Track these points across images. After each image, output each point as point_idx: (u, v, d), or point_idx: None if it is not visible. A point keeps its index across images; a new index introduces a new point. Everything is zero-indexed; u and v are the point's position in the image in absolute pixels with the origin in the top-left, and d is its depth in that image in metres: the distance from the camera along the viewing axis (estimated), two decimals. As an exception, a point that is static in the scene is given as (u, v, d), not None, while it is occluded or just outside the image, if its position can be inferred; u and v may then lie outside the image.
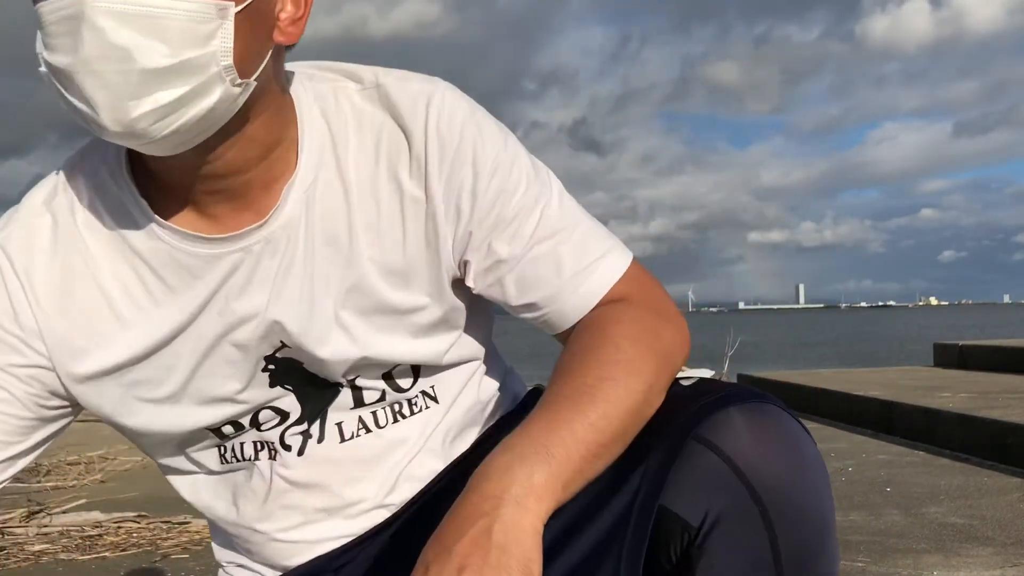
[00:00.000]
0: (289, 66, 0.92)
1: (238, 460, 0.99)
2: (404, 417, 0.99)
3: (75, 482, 4.91)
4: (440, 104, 0.91)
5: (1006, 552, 2.60)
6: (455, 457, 1.02)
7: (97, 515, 3.71)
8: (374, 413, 0.98)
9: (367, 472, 0.98)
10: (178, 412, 0.95)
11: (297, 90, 0.91)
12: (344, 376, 0.96)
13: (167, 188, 0.89)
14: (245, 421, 0.97)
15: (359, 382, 0.96)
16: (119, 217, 0.90)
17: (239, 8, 0.78)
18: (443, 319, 0.97)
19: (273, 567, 1.03)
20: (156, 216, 0.88)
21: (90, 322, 0.91)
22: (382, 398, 0.98)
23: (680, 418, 0.86)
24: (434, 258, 0.93)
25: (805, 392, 5.82)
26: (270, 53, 0.83)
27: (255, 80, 0.82)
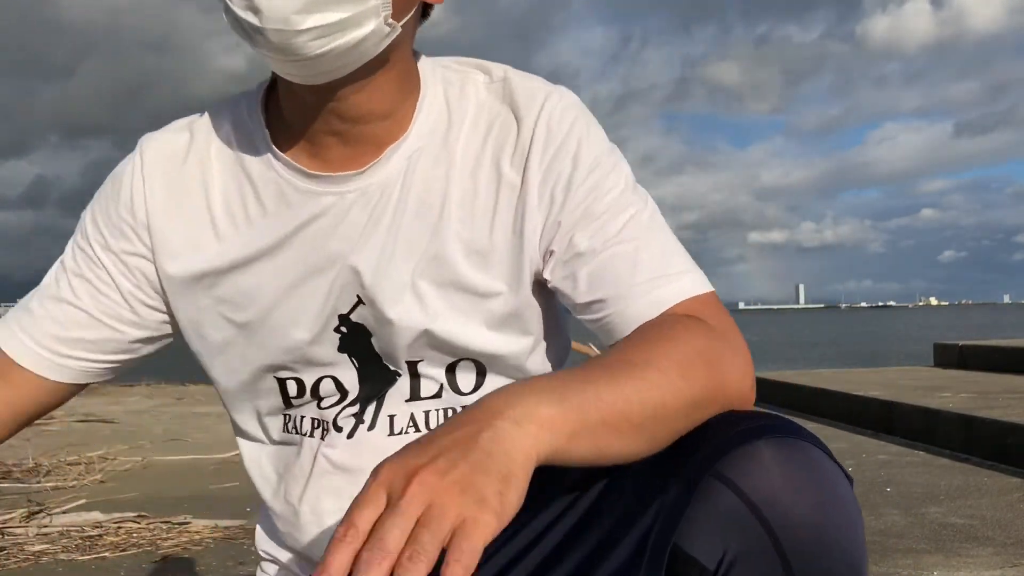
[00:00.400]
0: (427, 58, 0.99)
1: (297, 432, 1.01)
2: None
3: (75, 482, 4.91)
4: (556, 101, 0.95)
5: (1006, 552, 2.60)
6: None
7: (97, 515, 3.71)
8: (426, 413, 0.98)
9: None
10: (253, 344, 0.98)
11: (425, 69, 0.97)
12: (407, 357, 0.96)
13: (291, 127, 0.96)
14: (308, 384, 0.99)
15: (421, 368, 0.97)
16: (244, 146, 0.98)
17: None
18: (516, 313, 0.96)
19: (309, 559, 1.03)
20: (274, 147, 0.96)
21: (189, 228, 0.98)
22: (438, 394, 0.98)
23: (702, 451, 0.81)
24: (518, 245, 0.94)
25: (805, 392, 5.83)
26: (416, 7, 0.90)
27: (401, 27, 0.87)
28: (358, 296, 0.96)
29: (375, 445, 0.97)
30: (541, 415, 0.70)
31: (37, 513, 3.82)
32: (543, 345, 1.01)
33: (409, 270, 0.94)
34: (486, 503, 0.62)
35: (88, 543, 3.30)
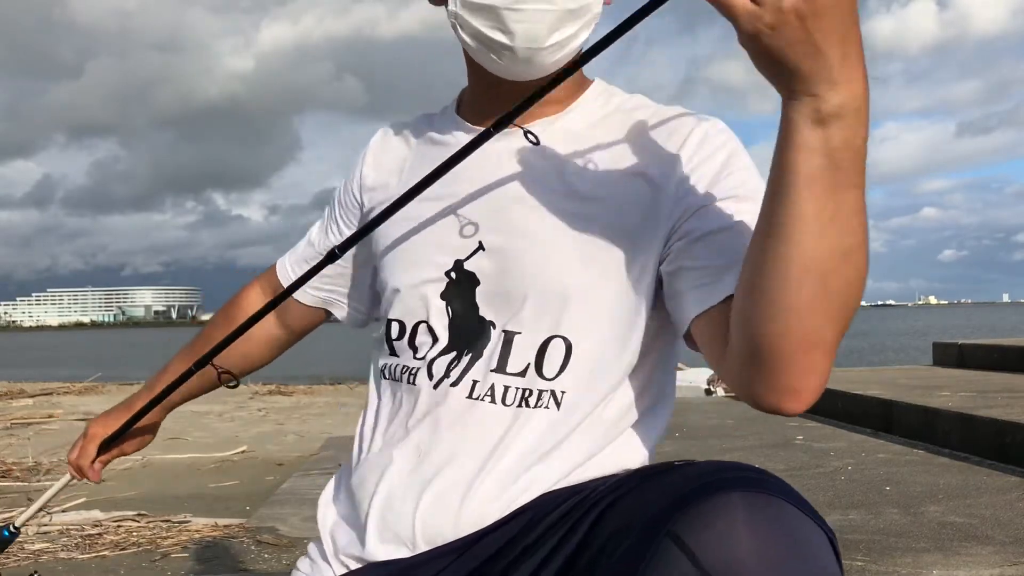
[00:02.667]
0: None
1: (395, 379, 1.08)
2: (528, 406, 1.00)
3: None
4: (713, 122, 1.01)
5: (1005, 551, 2.61)
6: (543, 491, 0.99)
7: (97, 514, 3.71)
8: (505, 388, 1.00)
9: (467, 435, 1.00)
10: (402, 261, 1.08)
11: (598, 84, 1.09)
12: (507, 326, 1.01)
13: (472, 106, 1.11)
14: (408, 326, 1.07)
15: (516, 341, 1.00)
16: (437, 125, 1.15)
17: None
18: (622, 296, 0.99)
19: (360, 516, 1.08)
20: (456, 115, 1.12)
21: (383, 174, 1.18)
22: (522, 373, 1.00)
23: (656, 504, 0.78)
24: (647, 232, 0.97)
25: (804, 391, 5.83)
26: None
27: (600, 9, 1.00)
28: (480, 243, 1.03)
29: (455, 401, 1.02)
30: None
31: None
32: (640, 352, 1.02)
33: (537, 228, 1.00)
34: None
35: (88, 542, 3.30)
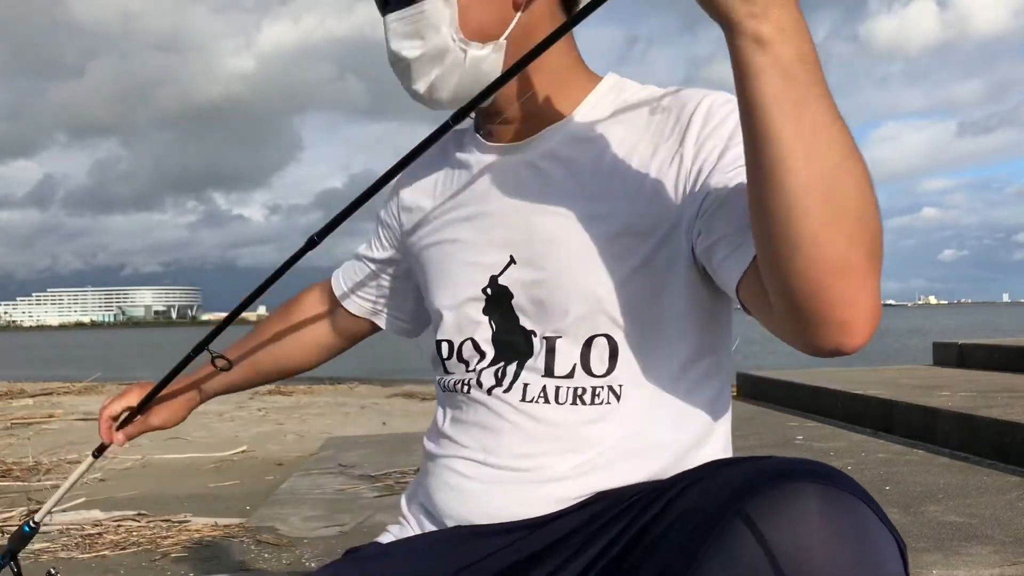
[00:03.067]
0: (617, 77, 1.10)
1: (452, 391, 1.12)
2: (583, 403, 1.03)
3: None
4: (717, 96, 1.01)
5: (1005, 551, 2.61)
6: (612, 485, 1.01)
7: (97, 514, 3.71)
8: (557, 388, 1.03)
9: (529, 436, 1.03)
10: (442, 283, 1.13)
11: (608, 80, 1.10)
12: (546, 332, 1.04)
13: (484, 122, 1.14)
14: (456, 344, 1.11)
15: (558, 345, 1.03)
16: (462, 144, 1.17)
17: None
18: (656, 286, 1.01)
19: (431, 512, 1.11)
20: (476, 135, 1.14)
21: (417, 194, 1.21)
22: (571, 374, 1.03)
23: (727, 488, 0.78)
24: (668, 219, 0.99)
25: (805, 391, 5.83)
26: (516, 19, 1.04)
27: (504, 39, 1.04)
28: (511, 257, 1.06)
29: (509, 407, 1.05)
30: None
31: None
32: (691, 348, 1.03)
33: (561, 234, 1.03)
34: None
35: (88, 541, 3.30)
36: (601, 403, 1.02)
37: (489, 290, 1.07)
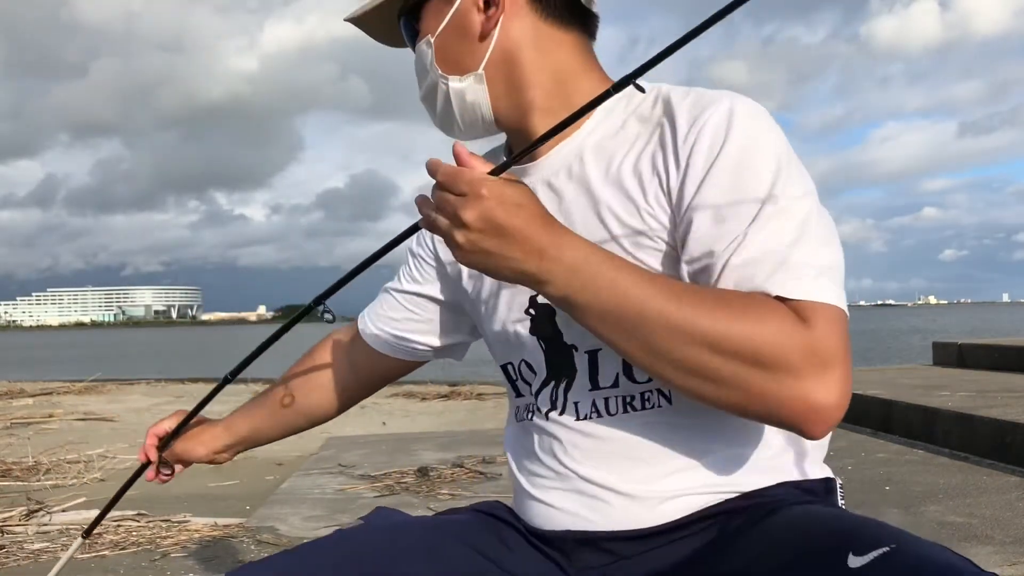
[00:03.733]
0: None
1: (520, 419, 1.16)
2: (635, 409, 1.04)
3: (75, 480, 4.91)
4: (718, 115, 0.97)
5: (1005, 551, 2.61)
6: (680, 489, 1.03)
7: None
8: (606, 400, 1.06)
9: (593, 453, 1.06)
10: (489, 309, 1.17)
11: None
12: (588, 347, 1.06)
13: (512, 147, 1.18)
14: (516, 366, 1.14)
15: (599, 356, 1.05)
16: (500, 157, 1.20)
17: (436, 33, 1.10)
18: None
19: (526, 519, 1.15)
20: (504, 150, 1.19)
21: None
22: (615, 383, 1.05)
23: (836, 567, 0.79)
24: (667, 230, 1.00)
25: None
26: (492, 44, 1.08)
27: (482, 70, 1.09)
28: None
29: (566, 428, 1.08)
30: (570, 256, 0.89)
31: (37, 511, 3.82)
32: None
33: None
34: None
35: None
36: (652, 407, 1.03)
37: (532, 310, 1.10)
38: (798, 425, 0.89)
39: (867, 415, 5.07)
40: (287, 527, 3.34)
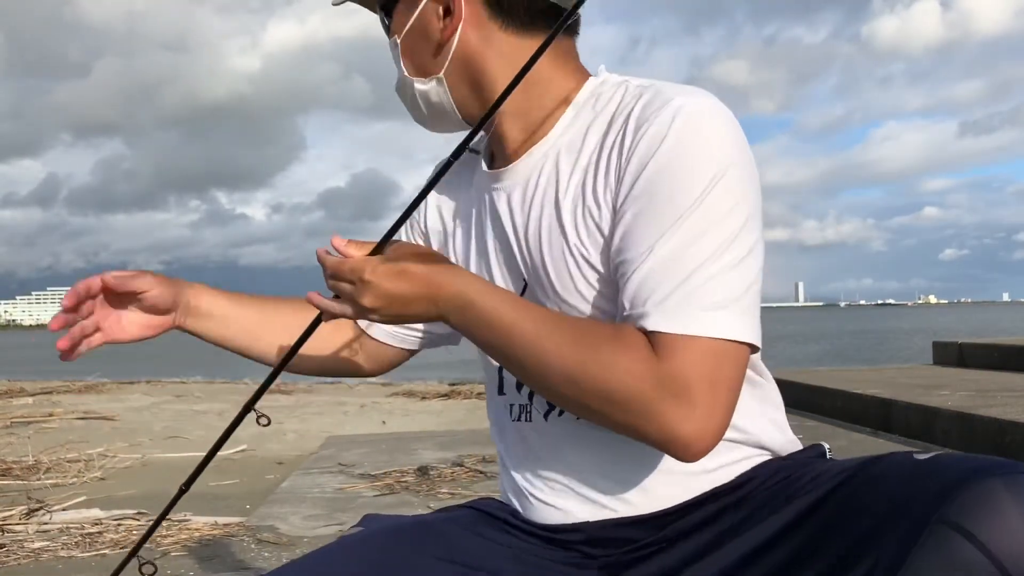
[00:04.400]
0: (603, 77, 1.10)
1: (515, 419, 1.15)
2: None
3: (75, 479, 4.91)
4: (663, 117, 0.97)
5: (1004, 550, 2.61)
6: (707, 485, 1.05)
7: (97, 512, 3.71)
8: None
9: (603, 449, 1.06)
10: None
11: (588, 86, 1.09)
12: None
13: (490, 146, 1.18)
14: (496, 370, 1.15)
15: None
16: (474, 167, 1.20)
17: (401, 35, 1.13)
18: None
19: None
20: (483, 159, 1.18)
21: (439, 217, 1.26)
22: None
23: (921, 494, 0.78)
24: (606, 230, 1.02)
25: (804, 390, 5.83)
26: (452, 51, 1.10)
27: (443, 74, 1.11)
28: (524, 280, 1.10)
29: (566, 430, 1.08)
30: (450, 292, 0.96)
31: (37, 510, 3.82)
32: None
33: (556, 258, 1.06)
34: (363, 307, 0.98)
35: (88, 540, 3.30)
36: None
37: None
38: (667, 452, 0.94)
39: (867, 415, 5.07)
40: (287, 526, 3.34)
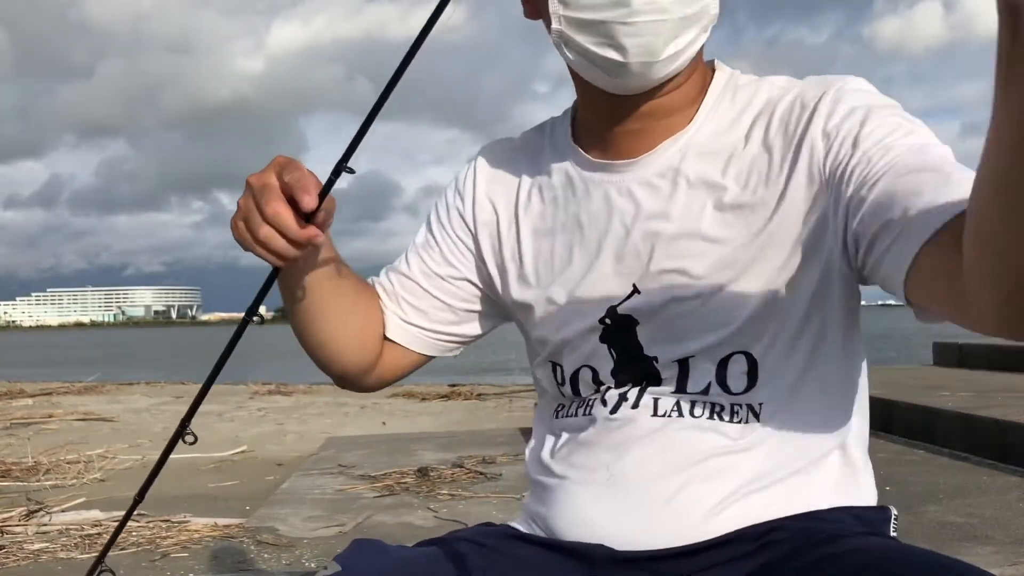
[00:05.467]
0: (727, 68, 1.04)
1: (569, 415, 1.05)
2: (722, 420, 0.96)
3: (74, 481, 4.91)
4: (842, 83, 0.95)
5: (1005, 551, 2.60)
6: (748, 521, 0.95)
7: (96, 514, 3.71)
8: (692, 402, 0.97)
9: (658, 450, 0.97)
10: (550, 311, 1.04)
11: (719, 80, 1.02)
12: (676, 355, 0.97)
13: (590, 130, 1.05)
14: (571, 369, 1.03)
15: (691, 364, 0.97)
16: (550, 145, 1.10)
17: None
18: (797, 296, 0.95)
19: (549, 527, 1.03)
20: (573, 143, 1.06)
21: (502, 203, 1.11)
22: (706, 391, 0.97)
23: None
24: (810, 224, 0.93)
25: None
26: None
27: (708, 32, 0.95)
28: (634, 285, 0.99)
29: (640, 422, 0.98)
30: None
31: (36, 511, 3.82)
32: (834, 353, 0.98)
33: (691, 260, 0.96)
34: None
35: (87, 541, 3.30)
36: (740, 421, 0.96)
37: (608, 320, 1.00)
38: None
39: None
40: (287, 527, 3.33)
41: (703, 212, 0.96)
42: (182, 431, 1.11)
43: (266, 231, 0.92)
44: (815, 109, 0.94)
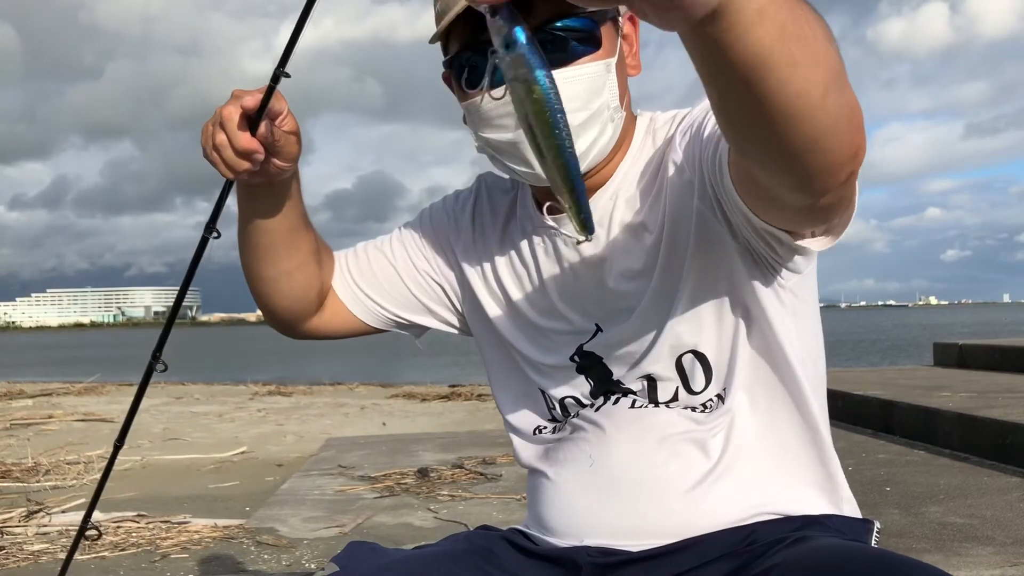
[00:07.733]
0: (647, 114, 1.13)
1: (554, 420, 1.16)
2: (693, 411, 1.07)
3: (74, 482, 4.91)
4: (683, 112, 1.09)
5: (1006, 551, 2.60)
6: (724, 505, 1.05)
7: (96, 515, 3.71)
8: (667, 404, 1.08)
9: (635, 438, 1.07)
10: (526, 345, 1.16)
11: (641, 125, 1.12)
12: (639, 374, 1.07)
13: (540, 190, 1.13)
14: (556, 397, 1.13)
15: (656, 380, 1.07)
16: (522, 198, 1.18)
17: (615, 60, 1.02)
18: (732, 295, 1.04)
19: (544, 525, 1.13)
20: (532, 199, 1.15)
21: (486, 225, 1.21)
22: (675, 398, 1.07)
23: None
24: (706, 221, 1.01)
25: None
26: (625, 85, 1.07)
27: (624, 110, 1.05)
28: (596, 324, 1.09)
29: (615, 417, 1.09)
30: None
31: (36, 512, 3.82)
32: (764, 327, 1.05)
33: (635, 297, 1.06)
34: None
35: (87, 542, 3.29)
36: (709, 411, 1.07)
37: (577, 358, 1.11)
38: (856, 158, 0.80)
39: (868, 416, 5.07)
40: (287, 528, 3.33)
41: (635, 251, 1.07)
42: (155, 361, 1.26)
43: (220, 137, 0.99)
44: (673, 135, 1.07)
